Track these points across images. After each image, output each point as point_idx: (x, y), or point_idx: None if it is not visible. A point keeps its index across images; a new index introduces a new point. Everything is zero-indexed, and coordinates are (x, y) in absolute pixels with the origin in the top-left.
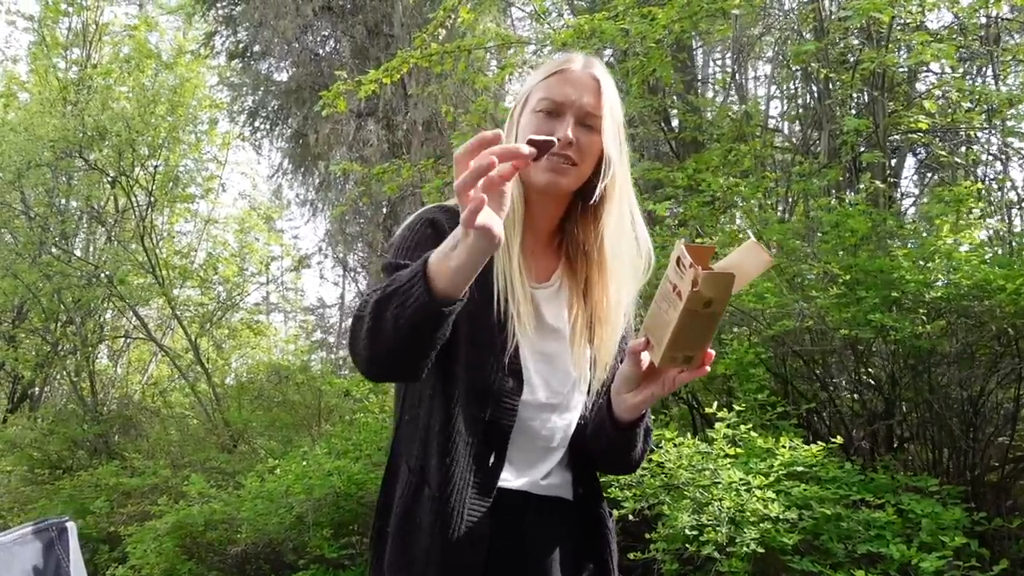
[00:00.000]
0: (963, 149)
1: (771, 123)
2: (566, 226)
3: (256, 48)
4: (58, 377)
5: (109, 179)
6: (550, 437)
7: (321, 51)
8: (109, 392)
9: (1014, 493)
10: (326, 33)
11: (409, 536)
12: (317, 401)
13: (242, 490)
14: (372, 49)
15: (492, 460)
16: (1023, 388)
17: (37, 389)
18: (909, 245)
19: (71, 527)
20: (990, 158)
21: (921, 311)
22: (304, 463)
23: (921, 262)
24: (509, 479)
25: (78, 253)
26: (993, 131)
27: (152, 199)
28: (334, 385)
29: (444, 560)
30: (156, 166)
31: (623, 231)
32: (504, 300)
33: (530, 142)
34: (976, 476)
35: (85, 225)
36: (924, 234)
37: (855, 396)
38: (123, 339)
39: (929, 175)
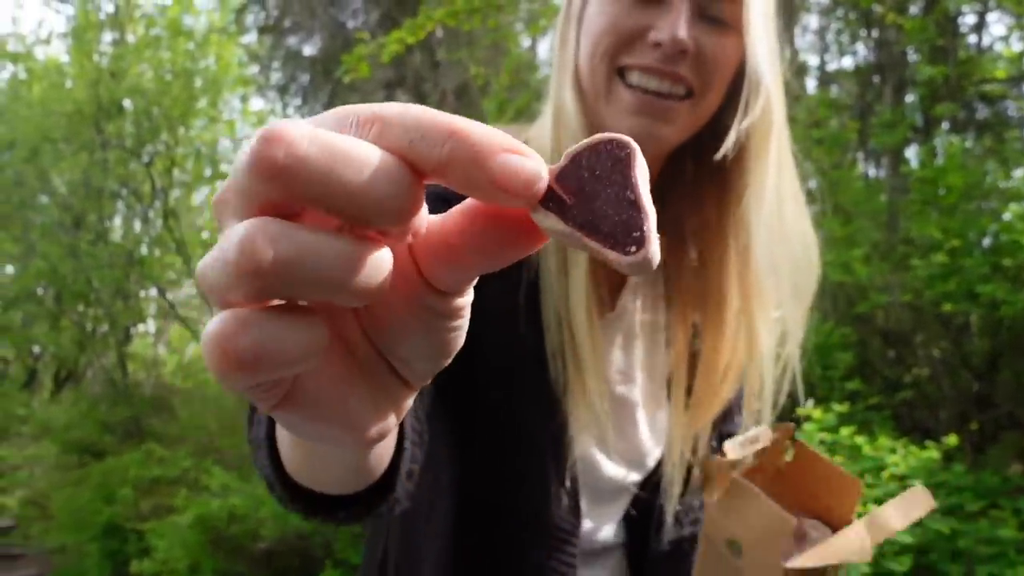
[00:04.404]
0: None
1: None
2: (665, 204)
3: (287, 23)
4: (96, 360)
5: (146, 161)
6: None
7: (350, 22)
8: (151, 373)
9: None
10: (357, 6)
11: None
12: None
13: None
14: (401, 19)
15: None
16: None
17: (83, 372)
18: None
19: None
20: None
21: None
22: None
23: None
24: None
25: (118, 234)
26: None
27: (187, 179)
28: None
29: None
30: (197, 148)
31: (777, 215)
32: (561, 358)
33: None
34: None
35: (123, 207)
36: None
37: (946, 379)
38: (159, 320)
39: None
